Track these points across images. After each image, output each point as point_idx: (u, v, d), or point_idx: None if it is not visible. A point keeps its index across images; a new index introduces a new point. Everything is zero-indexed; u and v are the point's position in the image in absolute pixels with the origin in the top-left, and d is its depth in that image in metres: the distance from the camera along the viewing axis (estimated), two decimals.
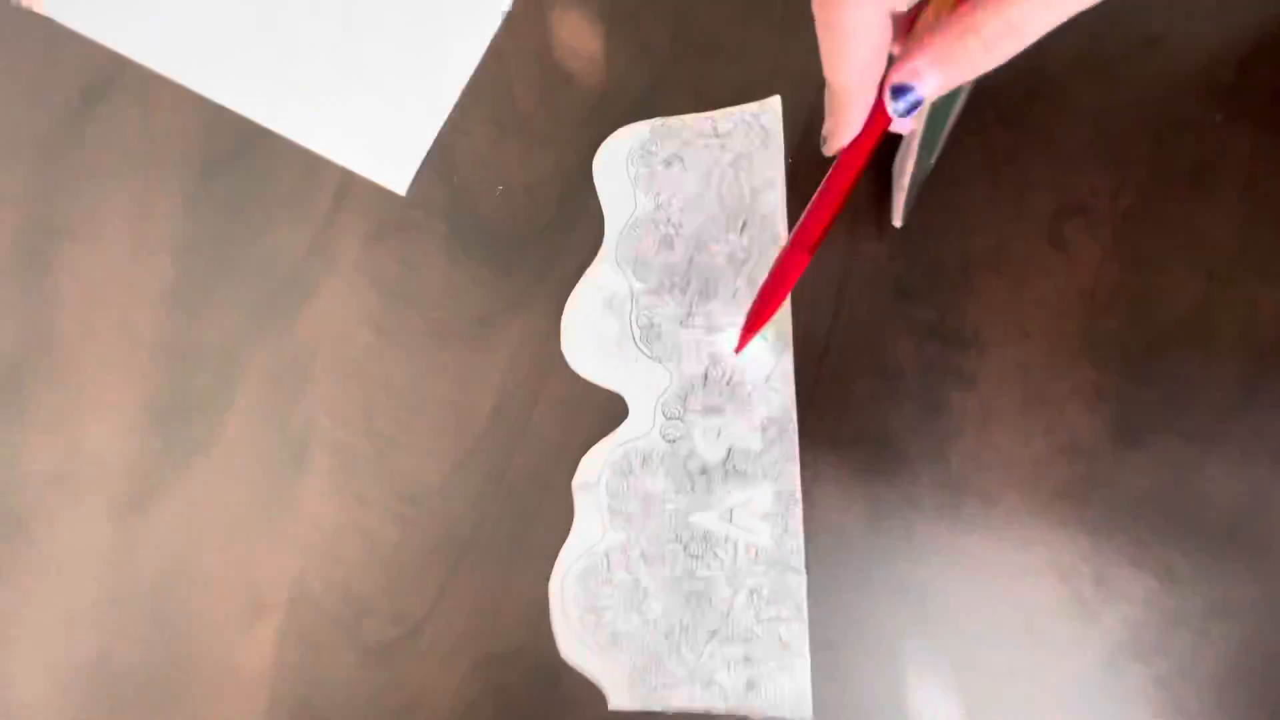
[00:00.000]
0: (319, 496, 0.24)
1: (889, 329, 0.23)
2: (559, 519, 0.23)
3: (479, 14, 0.25)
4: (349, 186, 0.25)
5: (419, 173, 0.25)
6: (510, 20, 0.25)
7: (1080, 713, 0.22)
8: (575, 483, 0.23)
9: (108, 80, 0.26)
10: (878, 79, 0.16)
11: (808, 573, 0.23)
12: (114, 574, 0.24)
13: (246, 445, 0.24)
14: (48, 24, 0.26)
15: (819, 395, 0.23)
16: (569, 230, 0.24)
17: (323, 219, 0.25)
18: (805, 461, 0.23)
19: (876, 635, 0.23)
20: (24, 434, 0.24)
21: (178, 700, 0.24)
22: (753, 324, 0.21)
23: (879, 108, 0.17)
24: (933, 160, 0.23)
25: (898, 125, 0.17)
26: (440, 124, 0.25)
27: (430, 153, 0.25)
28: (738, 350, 0.23)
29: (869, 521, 0.23)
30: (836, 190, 0.19)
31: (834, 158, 0.18)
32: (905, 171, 0.23)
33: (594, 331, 0.24)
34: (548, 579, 0.23)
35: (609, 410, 0.24)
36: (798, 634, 0.22)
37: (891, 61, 0.16)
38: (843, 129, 0.17)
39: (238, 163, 0.25)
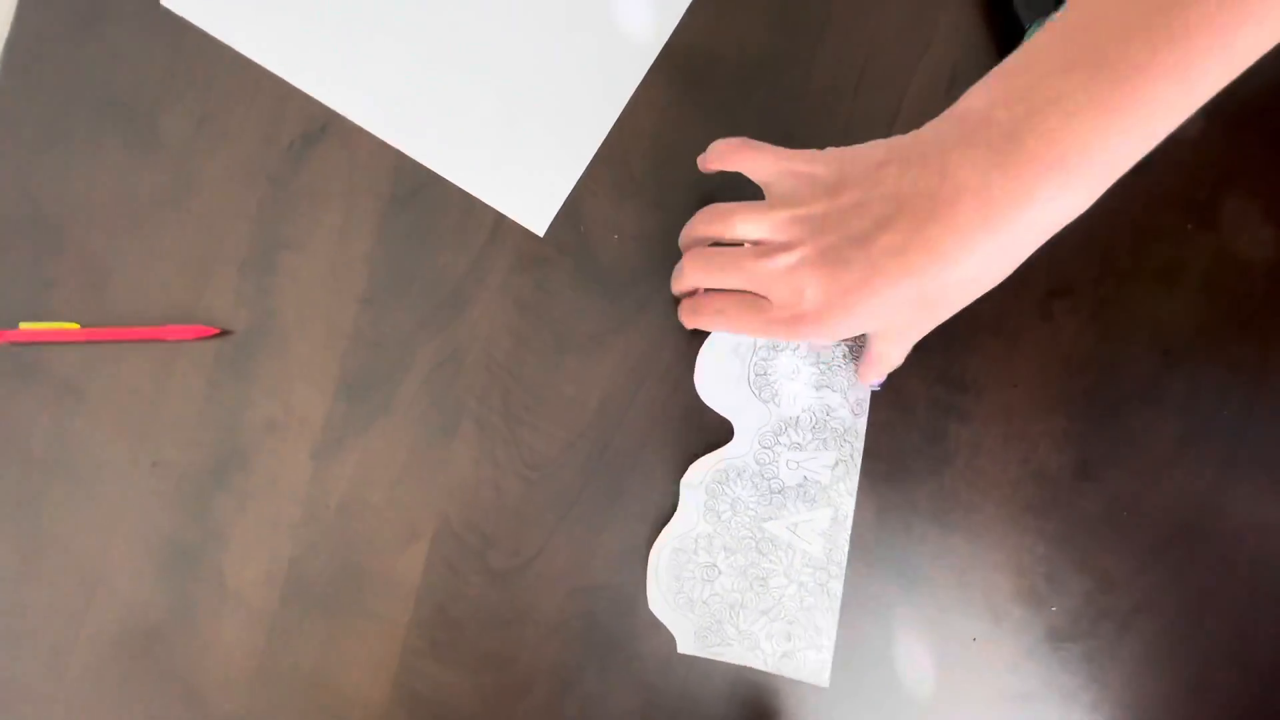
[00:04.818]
0: (463, 456, 0.32)
1: (908, 374, 0.30)
2: (642, 491, 0.31)
3: (607, 99, 0.33)
4: (500, 226, 0.33)
5: (554, 219, 0.32)
6: (630, 106, 0.32)
7: (1024, 674, 0.29)
8: (683, 481, 0.30)
9: (322, 128, 0.34)
10: None
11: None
12: (309, 499, 0.32)
13: (413, 414, 0.32)
14: (277, 80, 0.34)
15: None
16: (666, 275, 0.32)
17: (479, 249, 0.33)
18: None
19: (875, 612, 0.30)
20: (249, 393, 0.33)
21: (349, 596, 0.32)
22: None
23: None
24: None
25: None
26: (574, 183, 0.32)
27: (565, 205, 0.32)
28: None
29: (877, 517, 0.30)
30: None
31: None
32: None
33: (720, 370, 0.30)
34: (632, 534, 0.31)
35: (706, 426, 0.31)
36: (829, 624, 0.30)
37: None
38: None
39: (417, 200, 0.33)
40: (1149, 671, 0.29)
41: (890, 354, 0.26)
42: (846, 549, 0.30)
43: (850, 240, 0.22)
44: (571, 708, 0.31)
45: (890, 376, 0.30)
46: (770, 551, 0.30)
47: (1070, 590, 0.29)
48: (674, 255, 0.32)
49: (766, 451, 0.30)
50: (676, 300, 0.31)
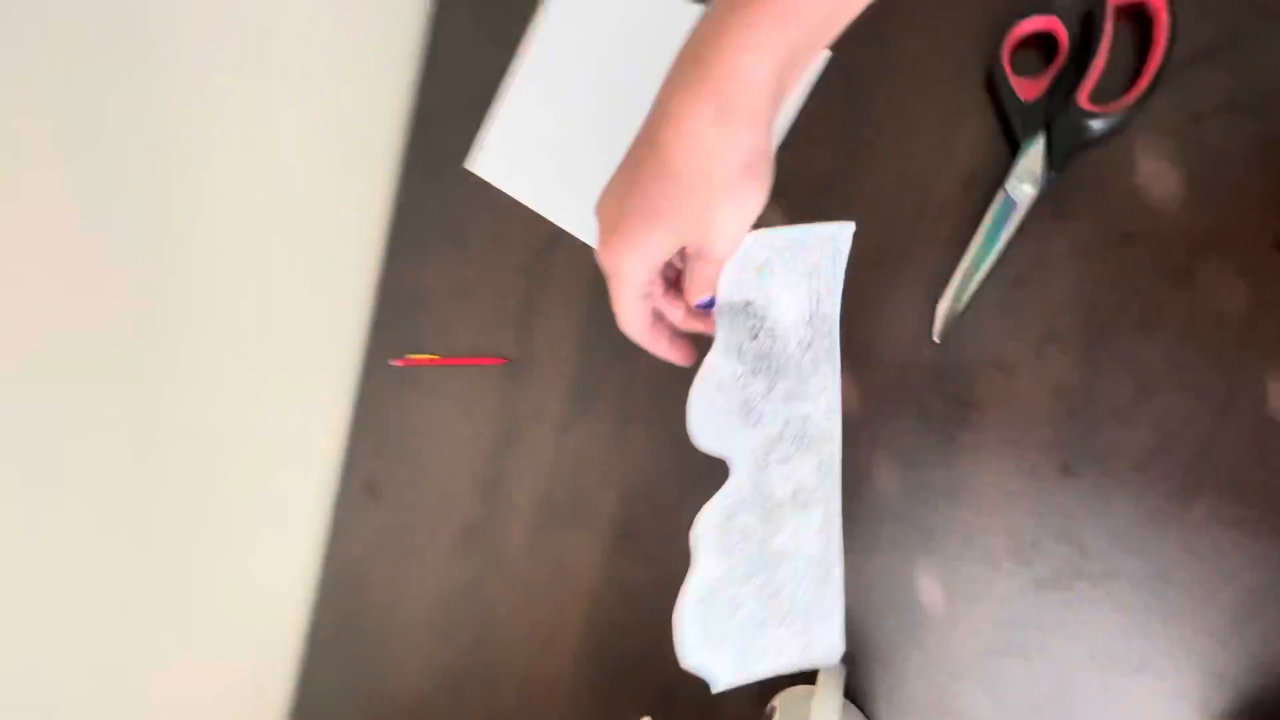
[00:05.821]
0: (635, 439, 0.52)
1: (928, 393, 0.43)
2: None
3: None
4: None
5: None
6: None
7: (1013, 608, 0.41)
8: (693, 533, 0.32)
9: (555, 239, 0.56)
10: (648, 314, 0.31)
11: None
12: (557, 459, 0.56)
13: (607, 411, 0.53)
14: (528, 210, 0.57)
15: (884, 435, 0.44)
16: None
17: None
18: (865, 470, 0.45)
19: (904, 559, 0.44)
20: (522, 395, 0.57)
21: (577, 516, 0.55)
22: None
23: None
24: (964, 303, 0.42)
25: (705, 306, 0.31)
26: None
27: None
28: None
29: (903, 491, 0.44)
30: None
31: None
32: (941, 312, 0.42)
33: (711, 409, 0.31)
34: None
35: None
36: (837, 606, 0.34)
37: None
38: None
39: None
40: (1113, 620, 0.39)
41: (702, 270, 0.29)
42: (841, 539, 0.34)
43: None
44: None
45: (917, 392, 0.43)
46: (780, 564, 0.32)
47: (1053, 555, 0.40)
48: None
49: (760, 473, 0.31)
50: None
